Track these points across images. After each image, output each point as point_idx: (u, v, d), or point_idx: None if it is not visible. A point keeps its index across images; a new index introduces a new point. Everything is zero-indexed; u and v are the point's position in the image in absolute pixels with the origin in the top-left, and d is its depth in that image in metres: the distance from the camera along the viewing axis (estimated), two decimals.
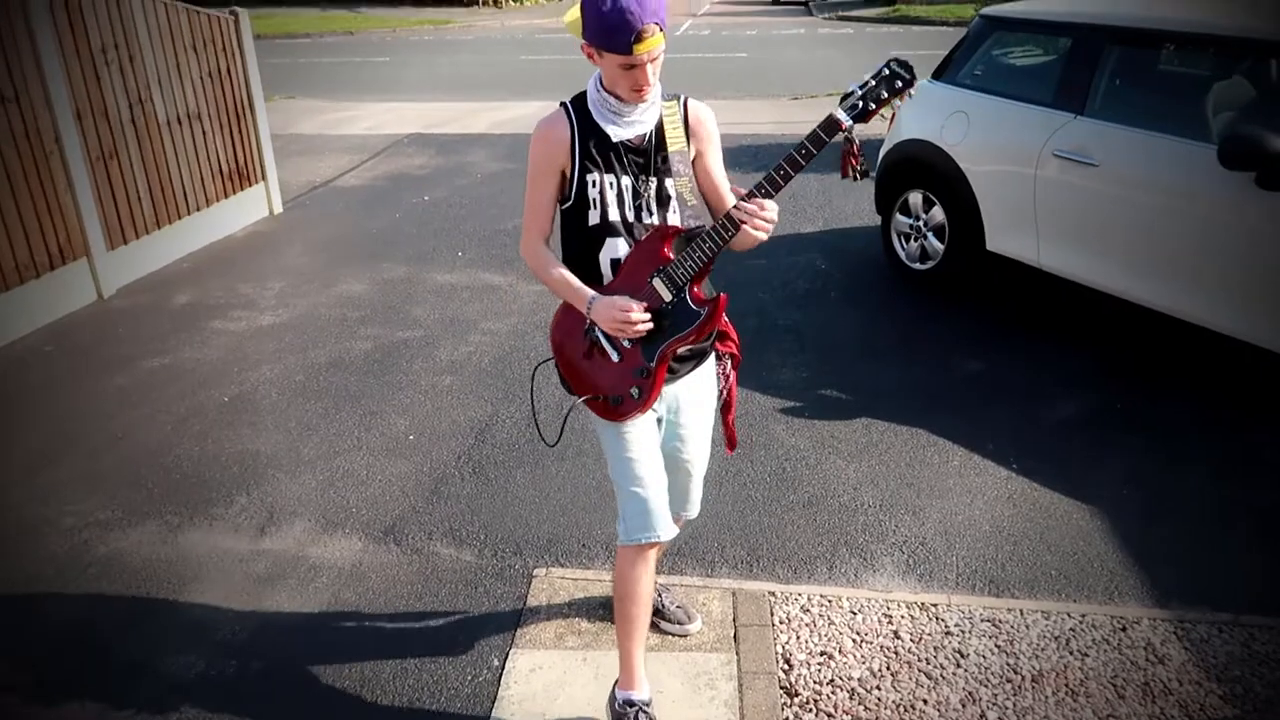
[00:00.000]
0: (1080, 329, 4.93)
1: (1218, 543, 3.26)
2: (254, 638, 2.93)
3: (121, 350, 5.07)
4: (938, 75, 5.63)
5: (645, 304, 2.18)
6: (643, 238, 2.21)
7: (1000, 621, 2.88)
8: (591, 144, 2.18)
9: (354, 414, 4.34)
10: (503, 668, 2.76)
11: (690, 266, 2.16)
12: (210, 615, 3.03)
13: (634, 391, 2.26)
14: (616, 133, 2.17)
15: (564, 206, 2.24)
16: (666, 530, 2.30)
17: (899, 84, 2.02)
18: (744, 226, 2.07)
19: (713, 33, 22.76)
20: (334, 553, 3.35)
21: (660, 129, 2.20)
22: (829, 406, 4.30)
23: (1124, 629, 2.84)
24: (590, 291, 2.22)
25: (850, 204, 7.34)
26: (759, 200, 2.05)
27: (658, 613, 2.88)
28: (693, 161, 2.25)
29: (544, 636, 2.87)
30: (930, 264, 5.50)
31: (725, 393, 2.50)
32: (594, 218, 2.21)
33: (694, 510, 2.61)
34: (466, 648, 2.85)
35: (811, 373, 4.61)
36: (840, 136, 2.04)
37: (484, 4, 31.20)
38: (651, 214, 2.21)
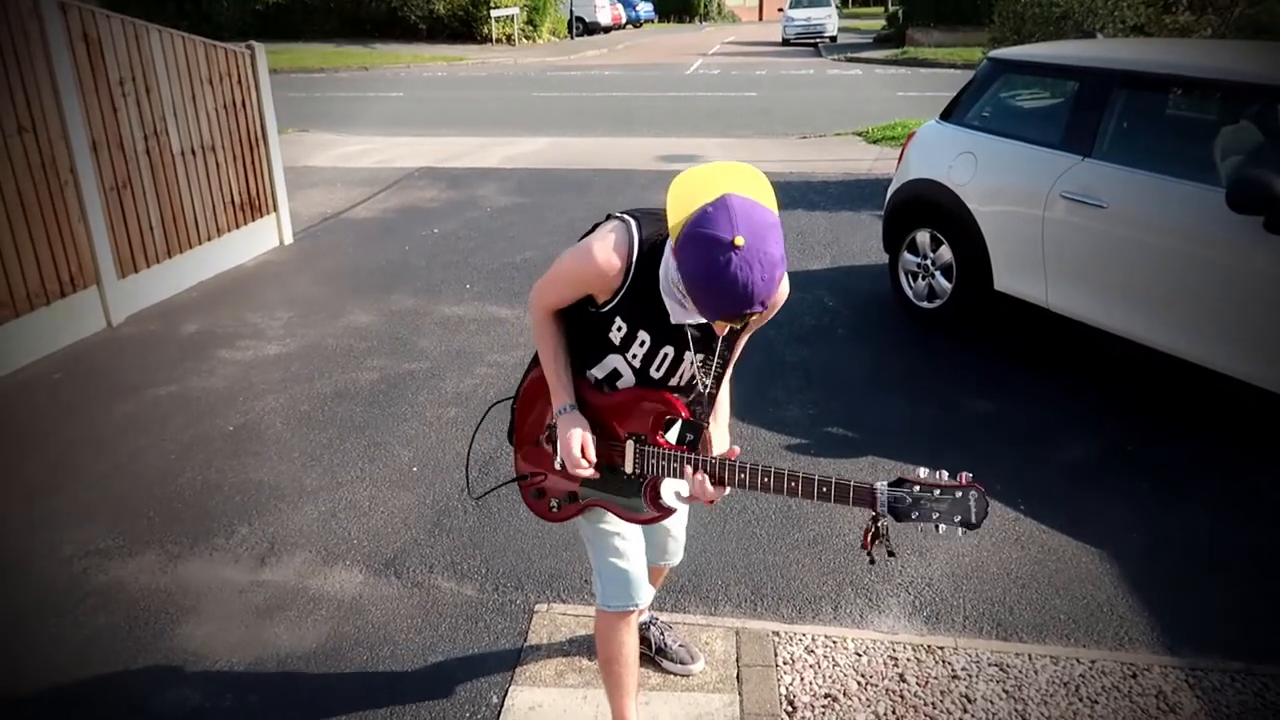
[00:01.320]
0: (1088, 370, 4.91)
1: (1229, 588, 3.22)
2: (251, 671, 2.90)
3: (129, 378, 5.07)
4: (945, 116, 5.67)
5: (608, 456, 2.07)
6: (651, 392, 2.05)
7: (1008, 666, 2.83)
8: (642, 307, 1.94)
9: (358, 445, 4.33)
10: (501, 705, 2.72)
11: (660, 468, 2.03)
12: (207, 647, 3.00)
13: (554, 503, 2.23)
14: (680, 315, 1.92)
15: (589, 312, 2.04)
16: (645, 597, 2.27)
17: (959, 518, 1.77)
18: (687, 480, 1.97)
19: (723, 72, 22.99)
20: (334, 585, 3.32)
21: None
22: (835, 444, 4.27)
23: (1134, 676, 2.78)
24: (568, 400, 2.07)
25: (858, 242, 7.35)
26: (709, 487, 1.94)
27: (660, 651, 2.84)
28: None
29: (544, 674, 2.83)
30: (938, 303, 5.49)
31: None
32: (612, 337, 2.03)
33: (675, 559, 2.58)
34: (465, 684, 2.81)
35: (818, 410, 4.59)
36: (868, 514, 1.83)
37: (497, 41, 31.62)
38: (679, 379, 2.05)
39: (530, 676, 2.82)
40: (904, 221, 5.68)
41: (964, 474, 1.81)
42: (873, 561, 1.87)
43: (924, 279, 5.56)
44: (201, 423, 4.57)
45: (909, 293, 5.69)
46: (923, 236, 5.53)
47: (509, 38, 32.19)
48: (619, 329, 2.01)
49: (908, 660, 2.87)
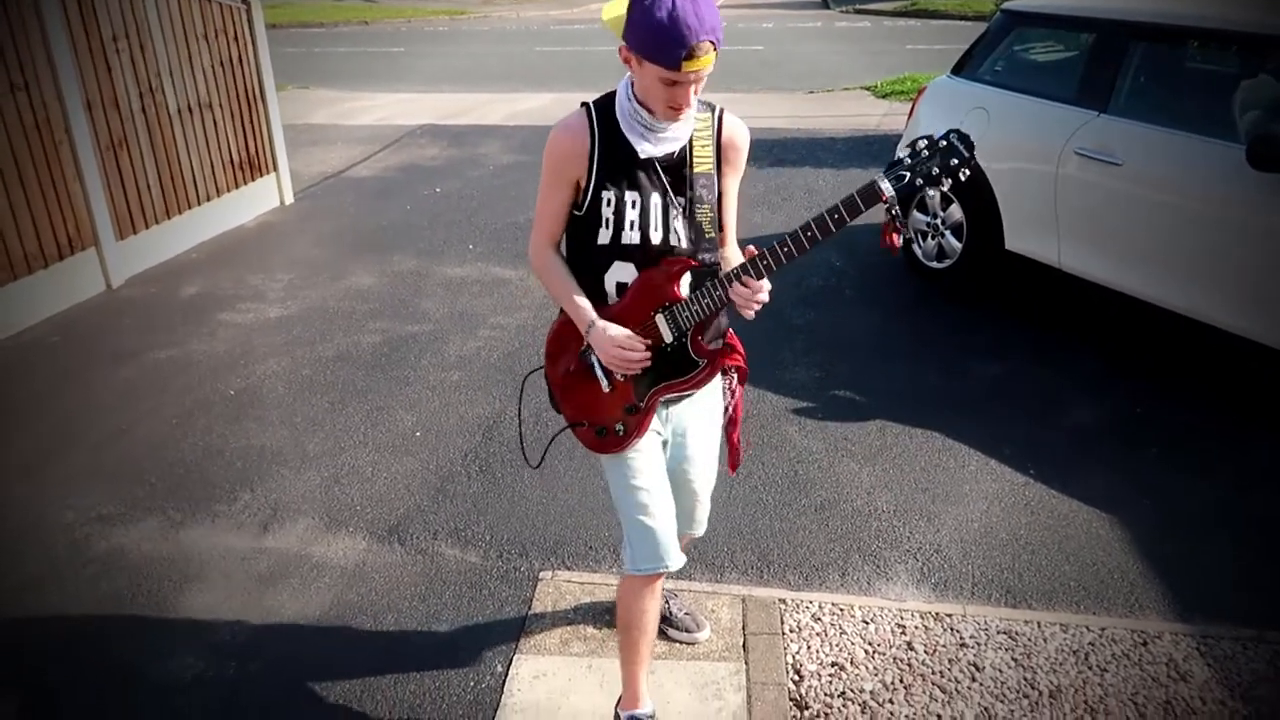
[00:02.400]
0: (1100, 331, 4.83)
1: (1242, 555, 3.18)
2: (254, 639, 2.88)
3: (128, 342, 5.03)
4: (957, 70, 5.53)
5: (646, 340, 2.07)
6: (655, 265, 2.07)
7: (1017, 634, 2.80)
8: (614, 159, 2.00)
9: (360, 409, 4.29)
10: (506, 674, 2.70)
11: (694, 313, 2.04)
12: (210, 615, 2.99)
13: (619, 427, 2.18)
14: (646, 149, 1.99)
15: (576, 214, 2.10)
16: (676, 560, 2.22)
17: (954, 161, 1.84)
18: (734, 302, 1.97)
19: (728, 25, 22.54)
20: (337, 552, 3.30)
21: (690, 144, 2.04)
22: (842, 408, 4.22)
23: (1145, 644, 2.75)
24: (593, 314, 2.09)
25: None
26: (753, 283, 1.95)
27: (665, 620, 2.81)
28: None
29: (549, 642, 2.81)
30: (947, 262, 5.40)
31: (731, 409, 2.39)
32: (603, 237, 2.05)
33: (700, 529, 2.53)
34: (469, 652, 2.80)
35: (825, 373, 4.54)
36: (881, 207, 1.88)
37: None
38: (679, 237, 2.06)
39: (535, 645, 2.80)
40: None
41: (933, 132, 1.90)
42: (897, 251, 2.01)
43: (933, 238, 5.47)
44: (203, 387, 4.53)
45: (918, 252, 5.60)
46: (932, 195, 5.42)
47: None
48: (608, 204, 2.02)
49: (915, 628, 2.85)
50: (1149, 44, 4.48)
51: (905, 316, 5.19)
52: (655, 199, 2.03)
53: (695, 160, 2.04)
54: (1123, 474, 3.64)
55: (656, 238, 2.05)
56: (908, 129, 5.70)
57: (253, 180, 7.20)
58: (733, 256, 2.18)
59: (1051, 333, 4.87)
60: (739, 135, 2.10)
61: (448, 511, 3.51)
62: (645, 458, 2.20)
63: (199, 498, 3.63)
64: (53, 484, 3.72)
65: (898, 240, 1.97)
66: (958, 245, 5.30)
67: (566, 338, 2.21)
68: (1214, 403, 4.12)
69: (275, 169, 7.49)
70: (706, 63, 1.83)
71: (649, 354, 2.07)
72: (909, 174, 1.86)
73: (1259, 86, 4.14)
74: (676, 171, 2.03)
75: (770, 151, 8.49)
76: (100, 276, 5.73)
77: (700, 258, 2.08)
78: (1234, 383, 4.27)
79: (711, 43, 1.81)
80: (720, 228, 2.16)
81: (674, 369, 2.13)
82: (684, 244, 2.07)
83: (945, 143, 1.85)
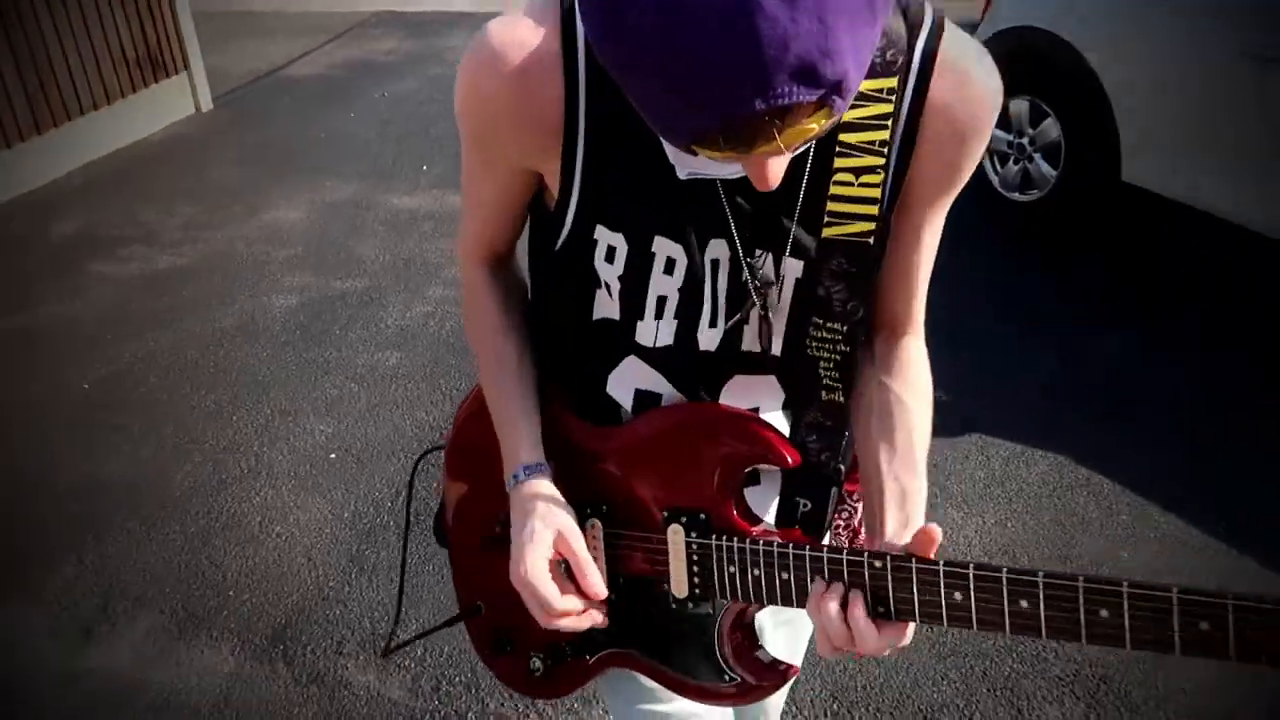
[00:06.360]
0: (1265, 300, 3.63)
1: None
2: None
3: None
4: None
5: (634, 563, 1.01)
6: (708, 408, 0.98)
7: None
8: (625, 174, 0.89)
9: (258, 413, 3.13)
10: None
11: (748, 582, 0.92)
12: None
13: (534, 663, 1.08)
14: (692, 162, 0.85)
15: (545, 238, 0.98)
16: None
17: None
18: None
19: None
20: (189, 676, 2.18)
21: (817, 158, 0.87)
22: None
23: None
24: (528, 453, 0.99)
25: None
26: (877, 631, 0.86)
27: None
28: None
29: None
30: (1035, 194, 4.18)
31: None
32: (604, 307, 0.97)
33: None
34: None
35: None
36: None
37: None
38: (746, 346, 0.96)
39: None
40: None
41: None
42: None
43: (1018, 162, 4.23)
44: (52, 376, 3.36)
45: (994, 180, 4.35)
46: (1019, 106, 4.14)
47: None
48: (607, 257, 0.92)
49: None
50: None
51: (982, 269, 3.97)
52: (720, 250, 0.92)
53: (829, 209, 0.90)
54: None
55: (710, 338, 0.96)
56: (986, 18, 4.38)
57: (156, 83, 5.83)
58: (917, 378, 1.03)
59: (1203, 298, 3.66)
60: (977, 106, 0.90)
61: (362, 602, 2.38)
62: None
63: (11, 560, 2.50)
64: None
65: None
66: (1052, 173, 4.07)
67: (486, 447, 1.05)
68: None
69: (187, 67, 6.10)
70: (797, 135, 0.70)
71: (601, 608, 0.98)
72: None
73: None
74: (768, 211, 0.90)
75: None
76: None
77: (803, 440, 0.98)
78: None
79: (808, 97, 0.66)
80: (875, 334, 1.06)
81: (664, 646, 1.03)
82: (783, 358, 0.98)
83: None
